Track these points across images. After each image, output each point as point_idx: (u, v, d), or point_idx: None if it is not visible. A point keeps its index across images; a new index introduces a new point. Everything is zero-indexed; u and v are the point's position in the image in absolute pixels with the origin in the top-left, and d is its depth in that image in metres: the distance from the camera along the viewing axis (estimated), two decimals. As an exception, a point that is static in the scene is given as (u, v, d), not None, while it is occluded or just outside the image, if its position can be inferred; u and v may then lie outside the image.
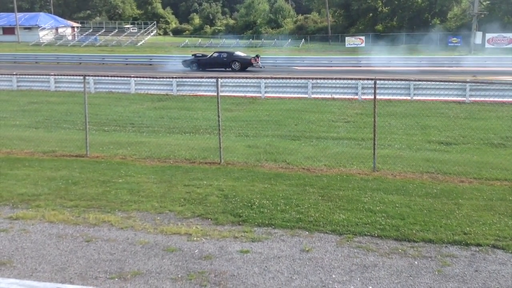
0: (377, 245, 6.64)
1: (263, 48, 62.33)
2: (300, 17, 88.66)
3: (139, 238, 6.91)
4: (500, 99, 19.92)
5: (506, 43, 54.33)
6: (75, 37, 77.74)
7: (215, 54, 37.67)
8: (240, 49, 51.50)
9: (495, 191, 8.74)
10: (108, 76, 22.64)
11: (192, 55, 39.21)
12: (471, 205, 7.97)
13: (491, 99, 20.10)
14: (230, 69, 36.26)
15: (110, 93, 24.24)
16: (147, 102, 21.91)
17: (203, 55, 38.47)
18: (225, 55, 37.38)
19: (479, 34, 50.08)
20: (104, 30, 79.37)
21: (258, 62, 36.97)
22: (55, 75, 25.44)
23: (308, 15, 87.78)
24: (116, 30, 79.78)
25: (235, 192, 8.68)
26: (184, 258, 6.33)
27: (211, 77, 18.68)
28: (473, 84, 21.01)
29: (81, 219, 7.61)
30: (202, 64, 36.93)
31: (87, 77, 12.31)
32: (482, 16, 57.78)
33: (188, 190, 8.86)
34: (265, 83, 23.02)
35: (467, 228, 7.02)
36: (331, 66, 39.66)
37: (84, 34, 76.83)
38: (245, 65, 36.58)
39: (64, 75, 24.22)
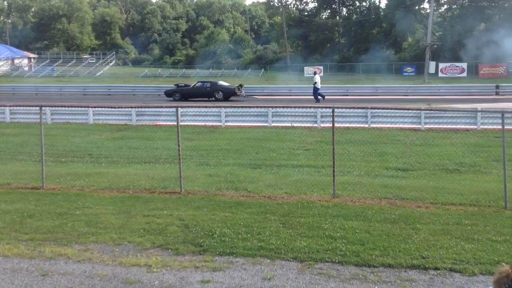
0: (338, 271, 6.66)
1: (223, 78, 62.60)
2: (260, 47, 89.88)
3: (97, 271, 6.74)
4: (454, 126, 20.52)
5: (458, 72, 56.27)
6: (31, 68, 76.56)
7: (198, 84, 37.53)
8: (200, 78, 51.64)
9: (451, 215, 8.93)
10: (65, 106, 22.37)
11: (175, 85, 38.86)
12: (428, 229, 8.11)
13: (445, 126, 20.71)
14: (213, 98, 36.01)
15: (67, 124, 23.83)
16: (105, 132, 21.65)
17: (186, 85, 38.21)
18: (208, 84, 37.18)
19: (432, 64, 51.62)
20: (61, 60, 78.54)
21: (241, 92, 37.01)
22: (10, 106, 24.91)
23: (268, 46, 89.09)
24: (74, 61, 79.06)
25: (195, 221, 8.60)
26: (144, 290, 6.20)
27: (171, 107, 18.62)
28: (428, 112, 21.60)
29: (37, 252, 7.39)
30: (185, 94, 36.59)
31: (43, 108, 12.11)
32: (435, 46, 59.77)
33: (147, 220, 8.72)
34: (225, 112, 23.11)
35: (425, 252, 7.13)
36: (291, 95, 40.15)
37: (41, 65, 75.77)
38: (228, 94, 36.39)
39: (19, 106, 23.70)
